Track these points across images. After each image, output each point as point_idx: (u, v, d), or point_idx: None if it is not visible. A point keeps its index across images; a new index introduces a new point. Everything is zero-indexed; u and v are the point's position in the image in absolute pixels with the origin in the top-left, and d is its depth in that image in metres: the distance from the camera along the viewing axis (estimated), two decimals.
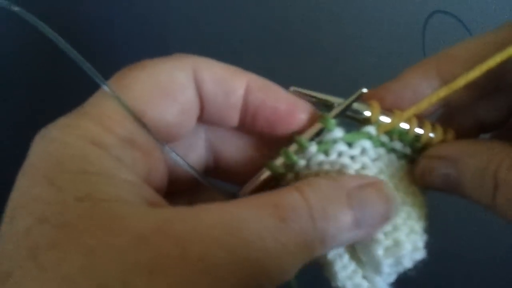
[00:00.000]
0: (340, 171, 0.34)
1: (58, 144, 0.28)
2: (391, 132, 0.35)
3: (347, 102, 0.35)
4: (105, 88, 0.30)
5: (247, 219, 0.27)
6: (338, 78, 0.81)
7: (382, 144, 0.36)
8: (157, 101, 0.32)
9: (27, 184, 0.27)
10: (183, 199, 0.38)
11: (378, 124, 0.35)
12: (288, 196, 0.29)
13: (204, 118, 0.35)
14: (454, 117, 0.38)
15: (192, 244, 0.25)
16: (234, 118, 0.35)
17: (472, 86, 0.33)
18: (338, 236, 0.30)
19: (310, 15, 0.79)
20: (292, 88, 0.36)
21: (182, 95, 0.33)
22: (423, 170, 0.35)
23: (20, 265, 0.24)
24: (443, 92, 0.34)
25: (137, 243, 0.25)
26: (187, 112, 0.33)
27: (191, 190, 0.38)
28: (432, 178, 0.34)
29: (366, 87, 0.35)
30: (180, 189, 0.37)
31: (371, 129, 0.35)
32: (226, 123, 0.36)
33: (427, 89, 0.35)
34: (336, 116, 0.34)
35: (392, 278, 0.35)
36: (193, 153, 0.38)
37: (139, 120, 0.30)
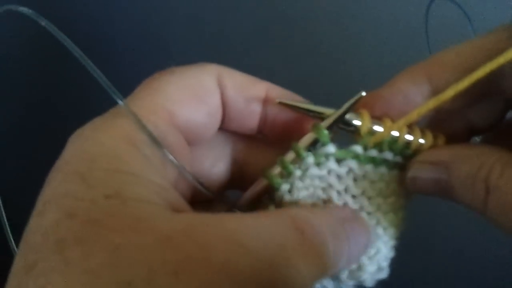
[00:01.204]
0: (325, 190, 0.35)
1: (91, 142, 0.29)
2: (381, 143, 0.35)
3: (340, 111, 0.34)
4: (120, 102, 0.30)
5: (268, 227, 0.28)
6: (338, 78, 0.81)
7: (370, 160, 0.36)
8: (187, 102, 0.33)
9: (59, 179, 0.28)
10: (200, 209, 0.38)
11: (367, 139, 0.35)
12: (303, 212, 0.31)
13: (225, 123, 0.37)
14: (444, 122, 0.38)
15: (216, 249, 0.25)
16: (253, 124, 0.37)
17: (462, 92, 0.33)
18: (339, 264, 0.31)
19: (310, 15, 0.79)
20: (277, 100, 0.36)
21: (209, 98, 0.34)
22: (414, 176, 0.35)
23: (45, 257, 0.24)
24: (432, 103, 0.33)
25: (162, 243, 0.25)
26: (213, 115, 0.35)
27: (209, 202, 0.38)
28: (424, 184, 0.35)
29: (365, 87, 0.35)
30: (200, 199, 0.37)
31: (357, 148, 0.35)
32: (245, 129, 0.37)
33: (417, 95, 0.35)
34: (329, 127, 0.34)
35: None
36: (220, 163, 0.39)
37: (143, 126, 0.30)
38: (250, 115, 0.36)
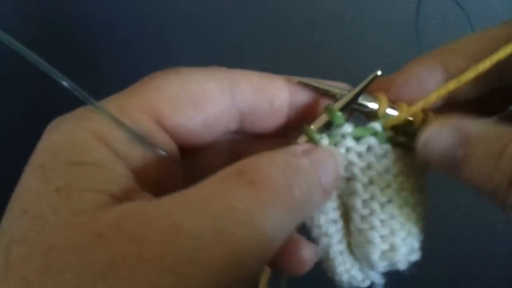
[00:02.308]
0: (346, 168, 0.34)
1: (61, 133, 0.29)
2: (397, 126, 0.35)
3: (354, 92, 0.34)
4: (89, 103, 0.30)
5: (211, 195, 0.25)
6: (338, 78, 0.81)
7: (388, 140, 0.35)
8: (182, 107, 0.32)
9: (26, 173, 0.28)
10: None
11: (385, 119, 0.35)
12: (251, 161, 0.28)
13: (246, 127, 0.35)
14: (455, 109, 0.37)
15: (150, 239, 0.23)
16: (281, 122, 0.35)
17: (479, 79, 0.32)
18: (312, 200, 0.29)
19: (310, 15, 0.79)
20: (296, 79, 0.35)
21: (209, 107, 0.33)
22: (427, 138, 0.32)
23: None
24: (452, 85, 0.33)
25: (92, 241, 0.24)
26: (212, 124, 0.33)
27: None
28: (434, 151, 0.32)
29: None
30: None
31: (376, 125, 0.34)
32: (272, 128, 0.36)
33: (432, 81, 0.34)
34: (343, 108, 0.34)
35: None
36: (216, 157, 0.37)
37: (121, 123, 0.30)
38: (276, 113, 0.35)
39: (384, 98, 0.35)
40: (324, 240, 0.35)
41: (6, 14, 0.76)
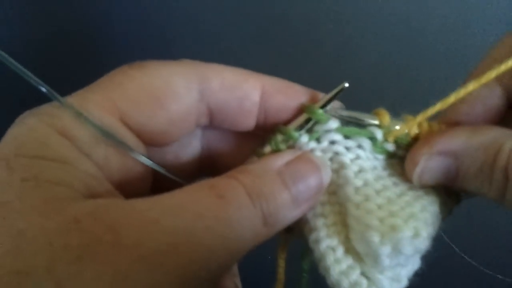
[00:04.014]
0: (334, 159, 0.34)
1: (25, 128, 0.28)
2: (397, 138, 0.35)
3: (331, 94, 0.34)
4: (63, 102, 0.29)
5: (184, 201, 0.27)
6: (338, 78, 0.81)
7: (383, 151, 0.35)
8: (145, 106, 0.31)
9: None
10: None
11: (387, 129, 0.34)
12: (222, 179, 0.29)
13: (215, 124, 0.35)
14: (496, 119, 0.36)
15: (127, 229, 0.24)
16: (250, 122, 0.35)
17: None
18: (280, 215, 0.29)
19: (310, 15, 0.79)
20: (320, 109, 0.34)
21: (174, 104, 0.32)
22: (422, 170, 0.33)
23: None
24: (471, 86, 0.32)
25: (67, 226, 0.24)
26: (177, 122, 0.32)
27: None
28: (432, 176, 0.33)
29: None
30: (166, 186, 0.37)
31: (376, 131, 0.34)
32: (241, 127, 0.35)
33: (494, 97, 0.34)
34: (322, 106, 0.34)
35: (395, 273, 0.32)
36: (187, 150, 0.37)
37: (88, 119, 0.29)
38: (245, 114, 0.34)
39: (385, 113, 0.34)
40: (312, 236, 0.33)
41: (5, 14, 0.76)
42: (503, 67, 0.31)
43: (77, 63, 0.79)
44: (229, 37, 0.80)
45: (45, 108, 0.30)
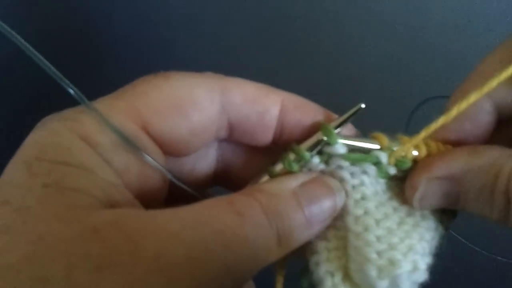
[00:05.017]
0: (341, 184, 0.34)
1: (48, 132, 0.28)
2: (397, 162, 0.34)
3: (347, 115, 0.34)
4: (83, 102, 0.29)
5: (203, 215, 0.27)
6: (338, 78, 0.81)
7: (387, 175, 0.35)
8: (168, 115, 0.31)
9: (9, 168, 0.28)
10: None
11: (390, 151, 0.34)
12: (240, 196, 0.29)
13: (234, 137, 0.35)
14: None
15: (146, 240, 0.24)
16: (268, 137, 0.35)
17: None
18: (294, 236, 0.30)
19: (310, 15, 0.79)
20: (336, 133, 0.34)
21: (196, 115, 0.32)
22: (422, 194, 0.33)
23: None
24: (473, 97, 0.32)
25: (87, 235, 0.24)
26: (199, 133, 0.33)
27: (193, 200, 0.38)
28: (433, 200, 0.33)
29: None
30: (180, 196, 0.37)
31: (381, 155, 0.34)
32: (259, 142, 0.35)
33: (482, 112, 0.34)
34: (337, 126, 0.33)
35: None
36: (203, 161, 0.37)
37: (113, 127, 0.29)
38: (264, 129, 0.34)
39: (383, 136, 0.34)
40: (313, 258, 0.33)
41: (4, 12, 0.76)
42: (504, 75, 0.31)
43: (77, 63, 0.79)
44: (229, 37, 0.80)
45: (68, 113, 0.30)
